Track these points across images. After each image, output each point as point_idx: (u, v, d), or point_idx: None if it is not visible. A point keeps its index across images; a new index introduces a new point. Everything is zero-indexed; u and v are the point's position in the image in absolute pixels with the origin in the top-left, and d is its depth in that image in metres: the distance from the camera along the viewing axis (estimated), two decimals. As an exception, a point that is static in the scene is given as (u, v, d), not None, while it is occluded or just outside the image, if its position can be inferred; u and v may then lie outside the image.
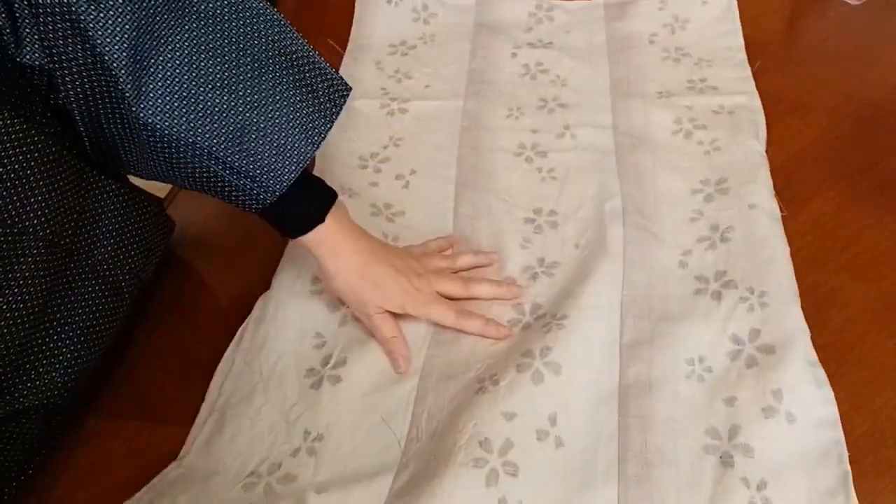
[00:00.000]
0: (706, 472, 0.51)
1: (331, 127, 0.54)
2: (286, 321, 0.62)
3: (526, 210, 0.69)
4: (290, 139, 0.52)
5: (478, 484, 0.49)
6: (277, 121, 0.51)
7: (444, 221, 0.69)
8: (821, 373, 0.55)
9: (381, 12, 0.89)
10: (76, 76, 0.47)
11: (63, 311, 0.53)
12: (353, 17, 0.90)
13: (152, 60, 0.47)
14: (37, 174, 0.47)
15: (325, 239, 0.56)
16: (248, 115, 0.50)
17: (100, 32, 0.45)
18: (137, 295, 0.61)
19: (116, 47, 0.46)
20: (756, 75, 0.79)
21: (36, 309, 0.50)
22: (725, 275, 0.62)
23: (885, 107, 0.77)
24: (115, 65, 0.46)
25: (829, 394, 0.54)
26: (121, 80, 0.46)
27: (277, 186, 0.52)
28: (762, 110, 0.75)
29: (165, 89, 0.48)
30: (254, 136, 0.51)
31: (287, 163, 0.52)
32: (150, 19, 0.47)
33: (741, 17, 0.85)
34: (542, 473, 0.51)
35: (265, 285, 0.65)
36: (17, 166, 0.46)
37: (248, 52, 0.50)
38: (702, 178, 0.69)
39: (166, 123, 0.48)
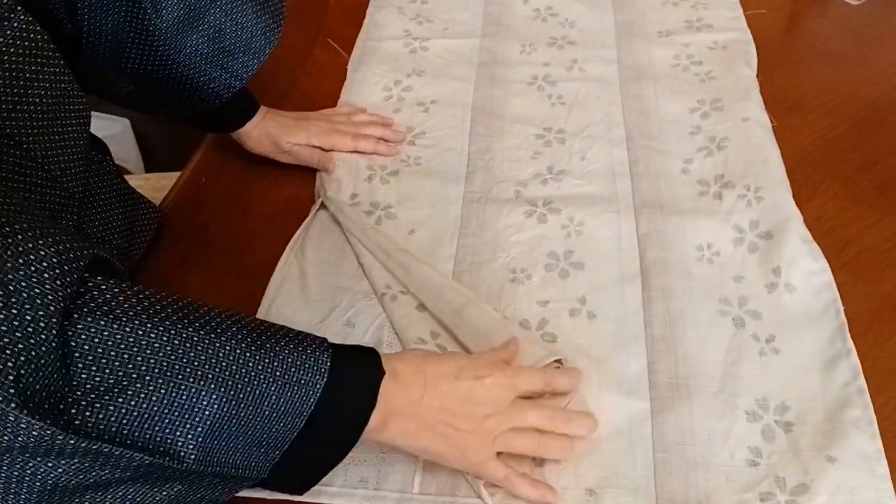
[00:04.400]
0: (723, 330, 0.58)
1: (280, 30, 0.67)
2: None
3: (537, 128, 0.76)
4: (253, 40, 0.65)
5: (525, 338, 0.56)
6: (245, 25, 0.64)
7: (461, 140, 0.75)
8: (815, 248, 0.62)
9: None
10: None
11: None
12: (352, 18, 0.92)
13: None
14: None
15: None
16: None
17: None
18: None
19: None
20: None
21: None
22: (724, 178, 0.68)
23: (885, 107, 0.76)
24: None
25: (823, 263, 0.61)
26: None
27: (245, 75, 0.66)
28: (753, 42, 0.82)
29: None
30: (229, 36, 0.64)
31: (251, 59, 0.66)
32: None
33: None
34: (577, 339, 0.58)
35: (259, 291, 0.64)
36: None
37: None
38: (698, 99, 0.77)
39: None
